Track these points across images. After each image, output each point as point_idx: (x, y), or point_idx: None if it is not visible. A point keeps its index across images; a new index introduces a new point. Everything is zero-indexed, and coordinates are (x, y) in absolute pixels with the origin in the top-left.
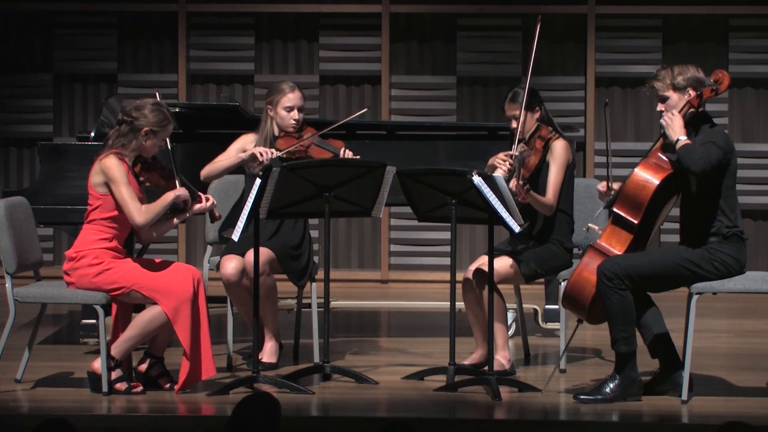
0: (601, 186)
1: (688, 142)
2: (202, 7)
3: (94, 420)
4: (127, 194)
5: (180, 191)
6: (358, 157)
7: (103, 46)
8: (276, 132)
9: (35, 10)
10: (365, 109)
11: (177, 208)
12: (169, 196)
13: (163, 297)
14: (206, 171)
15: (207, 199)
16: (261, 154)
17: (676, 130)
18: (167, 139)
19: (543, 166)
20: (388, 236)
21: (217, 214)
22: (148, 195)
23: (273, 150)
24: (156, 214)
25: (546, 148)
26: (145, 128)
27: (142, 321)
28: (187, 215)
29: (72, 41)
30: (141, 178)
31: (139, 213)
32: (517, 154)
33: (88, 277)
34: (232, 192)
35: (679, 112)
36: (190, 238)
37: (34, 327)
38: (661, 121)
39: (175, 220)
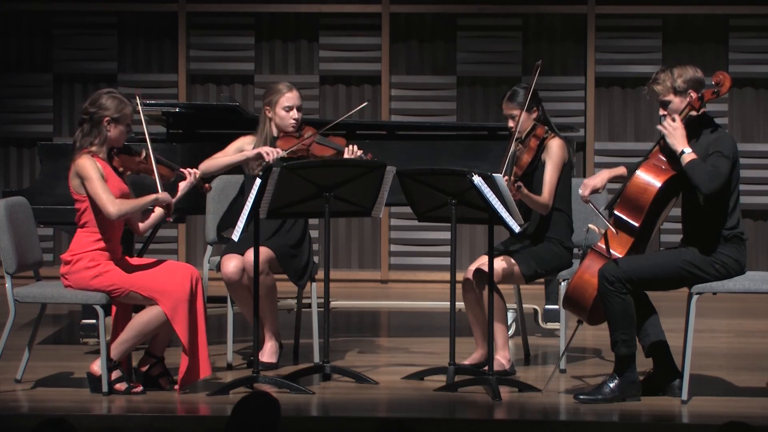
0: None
1: (694, 156)
2: (202, 7)
3: (94, 420)
4: (100, 187)
5: (161, 196)
6: (368, 155)
7: (103, 46)
8: (275, 133)
9: (35, 10)
10: (366, 103)
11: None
12: (149, 198)
13: (161, 297)
14: (205, 165)
15: (191, 173)
16: (267, 154)
17: (679, 141)
18: (144, 127)
19: (538, 165)
20: (388, 236)
21: (206, 186)
22: (134, 187)
23: (278, 149)
24: (131, 208)
25: (540, 147)
26: (106, 118)
27: (140, 322)
28: (177, 197)
29: (72, 41)
30: (120, 169)
31: (112, 203)
32: (511, 151)
33: (85, 280)
34: (232, 192)
35: (680, 115)
36: (190, 238)
37: (34, 327)
38: (659, 128)
39: (169, 219)
